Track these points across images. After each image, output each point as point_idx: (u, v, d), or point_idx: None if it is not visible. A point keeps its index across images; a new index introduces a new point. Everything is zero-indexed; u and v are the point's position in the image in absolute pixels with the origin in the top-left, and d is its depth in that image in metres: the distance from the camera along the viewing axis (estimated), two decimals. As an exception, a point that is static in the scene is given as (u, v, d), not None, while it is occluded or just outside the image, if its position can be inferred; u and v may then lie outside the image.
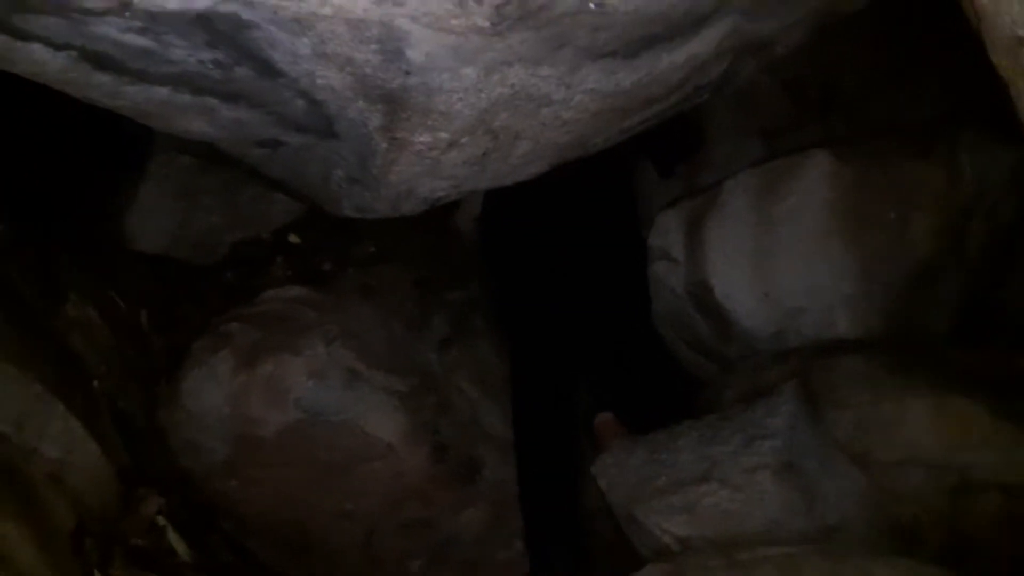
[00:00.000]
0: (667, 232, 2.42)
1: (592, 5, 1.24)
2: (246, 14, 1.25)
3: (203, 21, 1.26)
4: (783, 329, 2.25)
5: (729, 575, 1.58)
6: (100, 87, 1.48)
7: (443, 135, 1.53)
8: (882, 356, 2.02)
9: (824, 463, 1.83)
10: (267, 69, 1.40)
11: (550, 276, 2.48)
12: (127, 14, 1.21)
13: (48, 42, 1.30)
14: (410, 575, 2.38)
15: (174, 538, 2.02)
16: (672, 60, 1.48)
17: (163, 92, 1.51)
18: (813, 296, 2.22)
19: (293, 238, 2.58)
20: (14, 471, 1.70)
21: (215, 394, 2.24)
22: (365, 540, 2.36)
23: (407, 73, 1.36)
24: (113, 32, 1.27)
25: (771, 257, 2.23)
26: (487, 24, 1.23)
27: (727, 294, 2.28)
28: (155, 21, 1.24)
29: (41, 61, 1.35)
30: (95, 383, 2.05)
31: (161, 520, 2.02)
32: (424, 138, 1.53)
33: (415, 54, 1.34)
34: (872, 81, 2.44)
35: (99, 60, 1.35)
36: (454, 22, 1.25)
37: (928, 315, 2.24)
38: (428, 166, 1.65)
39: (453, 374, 2.50)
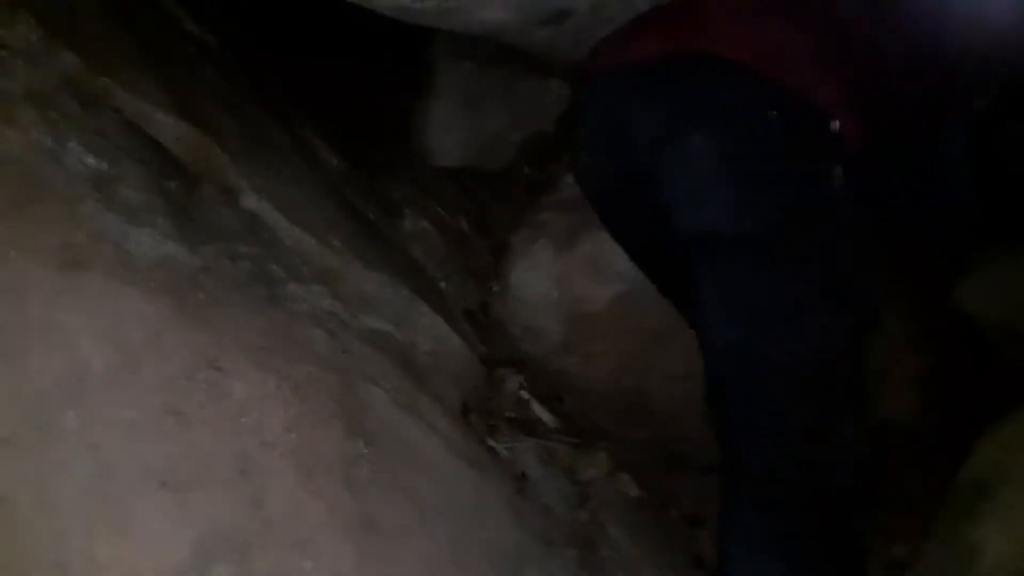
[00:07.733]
0: None
1: None
2: None
3: None
4: None
5: None
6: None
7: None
8: None
9: None
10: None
11: None
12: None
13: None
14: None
15: (538, 409, 2.19)
16: None
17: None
18: None
19: (576, 124, 2.62)
20: (406, 360, 1.92)
21: (542, 280, 2.37)
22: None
23: None
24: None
25: None
26: None
27: None
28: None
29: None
30: (442, 286, 2.26)
31: (524, 394, 2.20)
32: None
33: None
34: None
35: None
36: None
37: None
38: None
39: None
